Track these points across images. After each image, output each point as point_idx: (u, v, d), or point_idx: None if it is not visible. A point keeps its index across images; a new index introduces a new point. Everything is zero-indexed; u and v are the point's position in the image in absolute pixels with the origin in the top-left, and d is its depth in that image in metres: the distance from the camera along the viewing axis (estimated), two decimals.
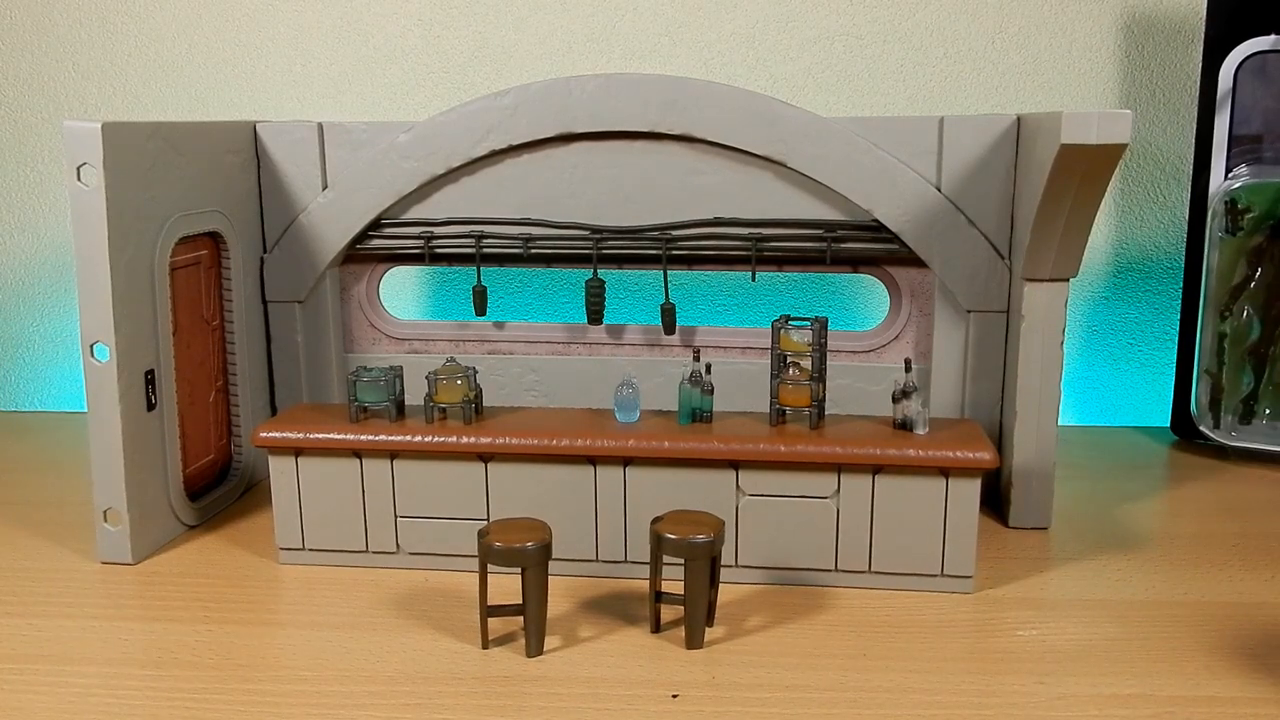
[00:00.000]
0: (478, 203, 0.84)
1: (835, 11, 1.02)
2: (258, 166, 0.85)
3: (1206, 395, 0.93)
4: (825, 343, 0.68)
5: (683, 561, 0.59)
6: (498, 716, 0.54)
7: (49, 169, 1.11)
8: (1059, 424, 0.76)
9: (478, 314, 0.86)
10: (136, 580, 0.69)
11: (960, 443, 0.65)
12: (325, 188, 0.84)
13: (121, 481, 0.70)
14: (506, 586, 0.61)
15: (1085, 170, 0.68)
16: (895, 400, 0.68)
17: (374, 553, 0.71)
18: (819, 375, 0.68)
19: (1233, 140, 0.90)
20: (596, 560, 0.69)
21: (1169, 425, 0.97)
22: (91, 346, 0.69)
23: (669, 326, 0.84)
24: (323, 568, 0.71)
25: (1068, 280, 0.74)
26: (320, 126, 0.84)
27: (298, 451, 0.70)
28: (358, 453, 0.69)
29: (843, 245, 0.81)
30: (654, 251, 0.83)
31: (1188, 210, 0.94)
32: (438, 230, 0.84)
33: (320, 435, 0.69)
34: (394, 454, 0.69)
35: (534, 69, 1.04)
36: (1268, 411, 0.92)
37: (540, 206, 0.83)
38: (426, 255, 0.85)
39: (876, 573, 0.67)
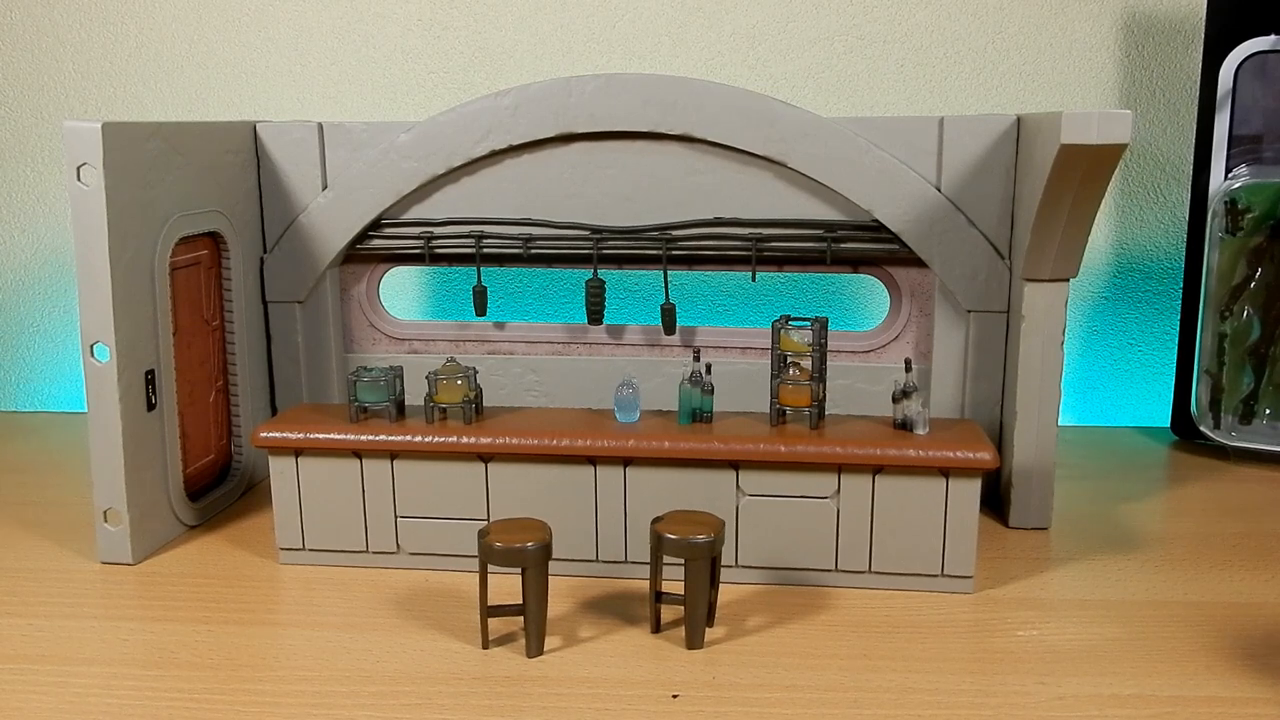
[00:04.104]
0: (478, 203, 0.84)
1: (835, 11, 1.02)
2: (258, 166, 0.85)
3: (1206, 395, 0.93)
4: (825, 343, 0.68)
5: (683, 561, 0.59)
6: (498, 716, 0.54)
7: (49, 169, 1.11)
8: (1059, 424, 0.76)
9: (478, 314, 0.86)
10: (136, 580, 0.69)
11: (960, 443, 0.65)
12: (325, 188, 0.84)
13: (121, 481, 0.70)
14: (506, 586, 0.61)
15: (1085, 170, 0.68)
16: (895, 400, 0.68)
17: (374, 553, 0.71)
18: (819, 375, 0.68)
19: (1233, 140, 0.90)
20: (596, 560, 0.69)
21: (1169, 425, 0.97)
22: (91, 346, 0.69)
23: (669, 326, 0.84)
24: (323, 568, 0.71)
25: (1068, 280, 0.74)
26: (320, 126, 0.84)
27: (298, 451, 0.70)
28: (358, 453, 0.69)
29: (843, 245, 0.81)
30: (654, 251, 0.83)
31: (1188, 210, 0.94)
32: (438, 230, 0.84)
33: (320, 435, 0.69)
34: (394, 454, 0.69)
35: (534, 69, 1.04)
36: (1268, 411, 0.92)
37: (540, 206, 0.83)
38: (426, 255, 0.85)
39: (876, 573, 0.67)
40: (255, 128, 0.85)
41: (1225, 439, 0.92)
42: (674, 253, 0.83)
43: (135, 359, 0.71)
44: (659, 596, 0.62)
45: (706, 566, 0.59)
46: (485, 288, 0.85)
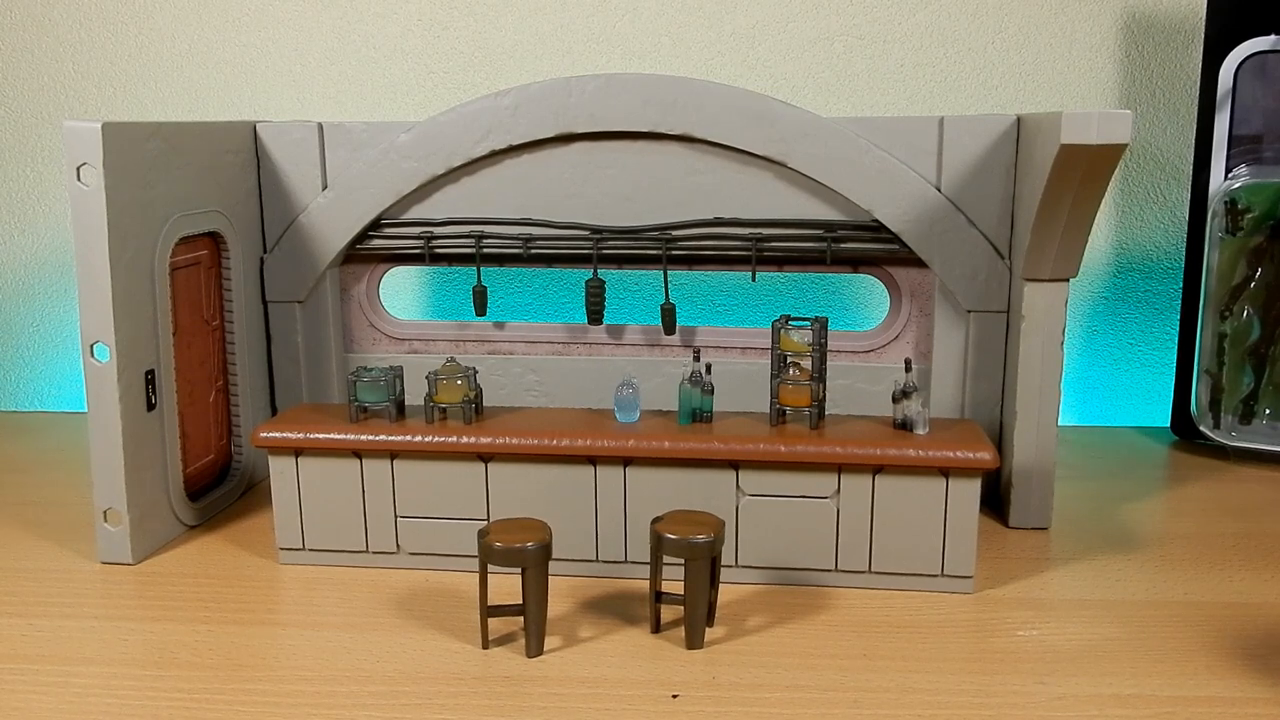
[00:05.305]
0: (478, 203, 0.84)
1: (835, 11, 1.02)
2: (258, 166, 0.85)
3: (1206, 395, 0.93)
4: (825, 343, 0.68)
5: (683, 561, 0.59)
6: (498, 716, 0.54)
7: (49, 169, 1.11)
8: (1059, 424, 0.76)
9: (478, 314, 0.86)
10: (136, 580, 0.69)
11: (960, 443, 0.65)
12: (325, 188, 0.84)
13: (121, 481, 0.70)
14: (506, 586, 0.61)
15: (1085, 170, 0.68)
16: (895, 400, 0.68)
17: (374, 553, 0.71)
18: (819, 375, 0.68)
19: (1233, 140, 0.90)
20: (596, 560, 0.69)
21: (1169, 425, 0.97)
22: (91, 346, 0.69)
23: (669, 326, 0.84)
24: (323, 568, 0.71)
25: (1068, 280, 0.74)
26: (320, 126, 0.84)
27: (298, 451, 0.70)
28: (358, 453, 0.69)
29: (843, 245, 0.81)
30: (654, 251, 0.83)
31: (1188, 210, 0.94)
32: (438, 230, 0.84)
33: (320, 435, 0.69)
34: (394, 454, 0.69)
35: (534, 69, 1.04)
36: (1268, 411, 0.92)
37: (540, 206, 0.83)
38: (426, 255, 0.85)
39: (876, 573, 0.67)
40: (255, 128, 0.85)
41: (1225, 439, 0.92)
42: (674, 253, 0.83)
43: (135, 359, 0.71)
44: (659, 596, 0.62)
45: (706, 566, 0.59)
46: (485, 288, 0.85)
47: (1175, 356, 0.96)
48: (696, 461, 0.67)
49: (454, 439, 0.68)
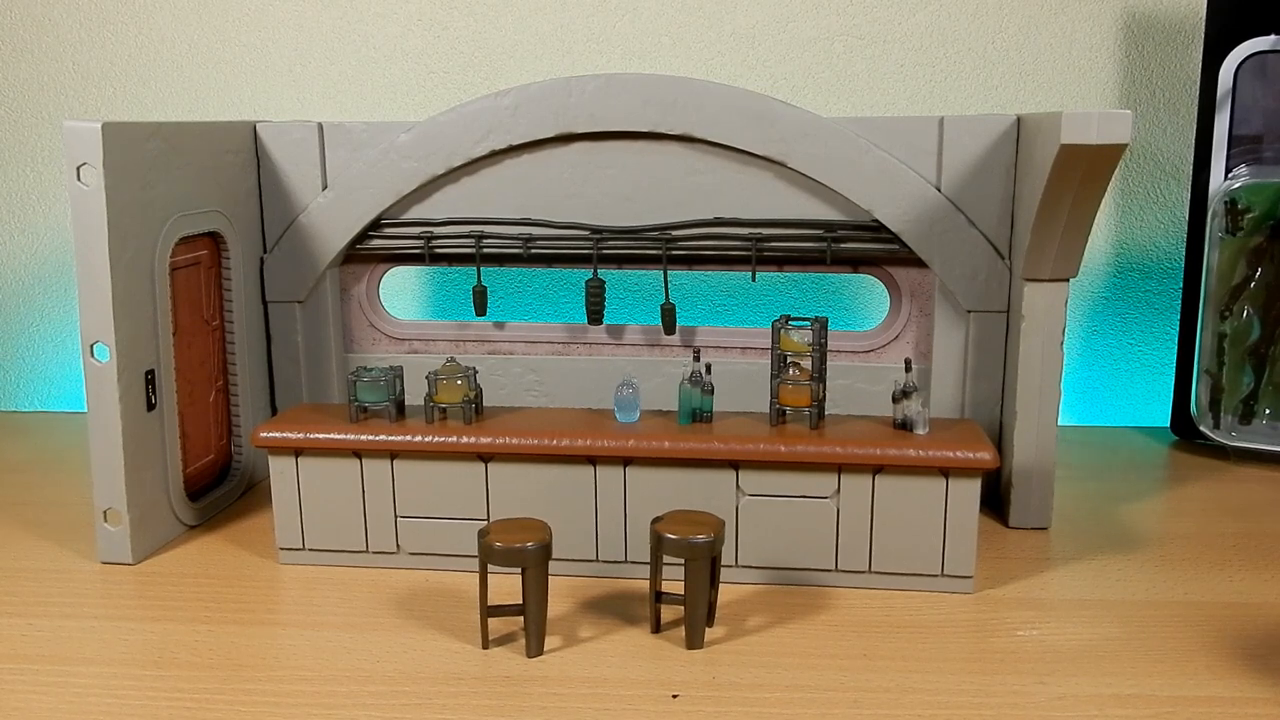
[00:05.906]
0: (478, 203, 0.84)
1: (835, 11, 1.02)
2: (258, 166, 0.85)
3: (1206, 395, 0.93)
4: (825, 343, 0.68)
5: (683, 561, 0.59)
6: (498, 716, 0.54)
7: (49, 169, 1.11)
8: (1059, 424, 0.76)
9: (478, 314, 0.86)
10: (136, 580, 0.69)
11: (960, 443, 0.65)
12: (325, 188, 0.84)
13: (121, 481, 0.70)
14: (506, 586, 0.61)
15: (1085, 170, 0.68)
16: (895, 400, 0.68)
17: (374, 553, 0.71)
18: (819, 375, 0.68)
19: (1233, 140, 0.90)
20: (596, 560, 0.69)
21: (1169, 425, 0.97)
22: (91, 346, 0.69)
23: (669, 326, 0.84)
24: (323, 568, 0.71)
25: (1068, 280, 0.74)
26: (320, 126, 0.84)
27: (298, 451, 0.70)
28: (358, 453, 0.69)
29: (843, 245, 0.81)
30: (654, 251, 0.83)
31: (1188, 210, 0.94)
32: (438, 230, 0.84)
33: (320, 435, 0.69)
34: (394, 454, 0.69)
35: (534, 69, 1.04)
36: (1268, 411, 0.92)
37: (540, 206, 0.83)
38: (426, 255, 0.85)
39: (877, 573, 0.67)
40: (255, 128, 0.85)
41: (1225, 439, 0.92)
42: (674, 253, 0.83)
43: (135, 359, 0.71)
44: (659, 596, 0.62)
45: (706, 566, 0.59)
46: (485, 288, 0.85)
47: (1175, 356, 0.96)
48: (696, 461, 0.67)
49: (454, 439, 0.68)
